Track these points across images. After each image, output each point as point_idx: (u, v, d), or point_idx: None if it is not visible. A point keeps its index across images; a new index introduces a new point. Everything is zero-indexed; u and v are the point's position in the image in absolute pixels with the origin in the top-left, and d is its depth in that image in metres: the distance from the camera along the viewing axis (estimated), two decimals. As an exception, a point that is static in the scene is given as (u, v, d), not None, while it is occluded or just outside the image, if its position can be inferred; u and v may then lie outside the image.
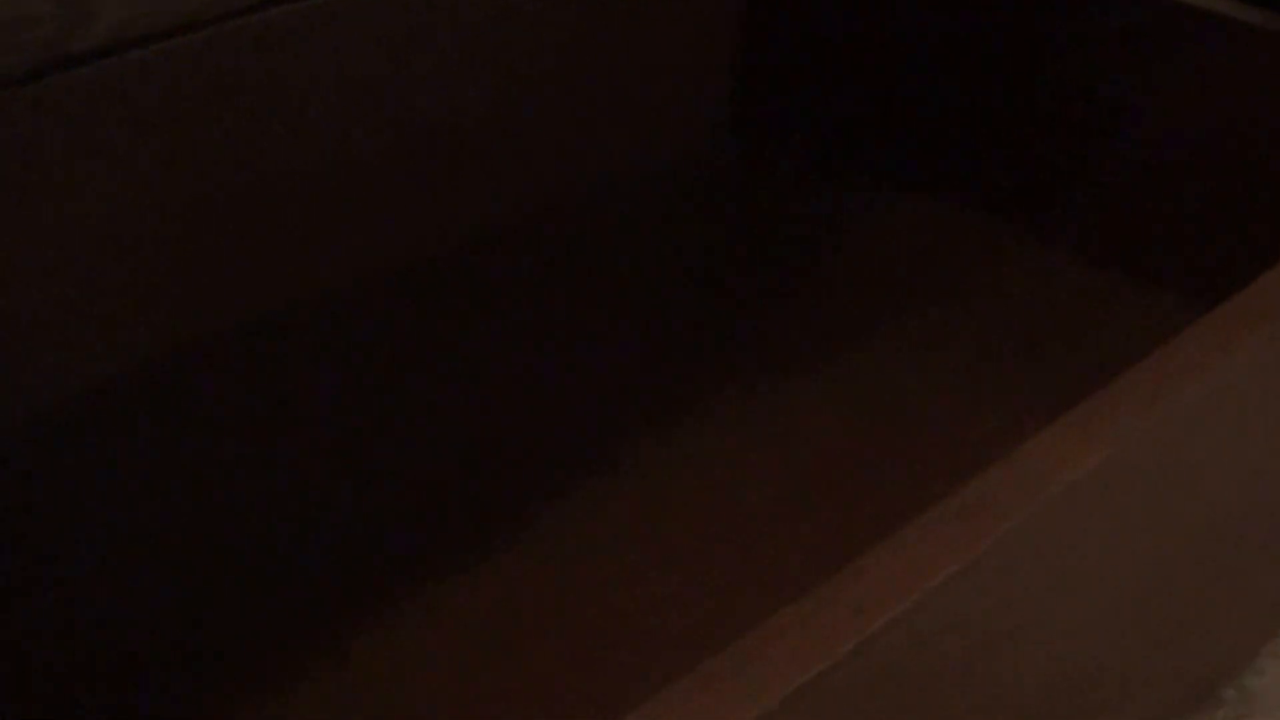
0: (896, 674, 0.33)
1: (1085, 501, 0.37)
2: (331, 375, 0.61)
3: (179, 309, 0.61)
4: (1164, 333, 0.64)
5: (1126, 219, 0.68)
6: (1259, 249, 0.64)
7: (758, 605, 0.51)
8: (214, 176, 0.60)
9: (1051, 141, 0.69)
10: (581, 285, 0.67)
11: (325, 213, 0.64)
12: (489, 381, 0.61)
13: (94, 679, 0.48)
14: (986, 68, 0.70)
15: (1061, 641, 0.39)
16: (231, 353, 0.62)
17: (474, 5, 0.66)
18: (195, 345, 0.62)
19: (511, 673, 0.49)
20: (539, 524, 0.54)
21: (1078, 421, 0.37)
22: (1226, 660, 0.51)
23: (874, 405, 0.60)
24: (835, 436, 0.59)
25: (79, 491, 0.55)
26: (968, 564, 0.33)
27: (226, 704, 0.47)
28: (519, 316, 0.65)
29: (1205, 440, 0.41)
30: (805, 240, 0.70)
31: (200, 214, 0.60)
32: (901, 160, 0.74)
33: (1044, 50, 0.68)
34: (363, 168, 0.65)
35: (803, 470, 0.57)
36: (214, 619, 0.50)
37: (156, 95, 0.56)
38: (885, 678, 0.32)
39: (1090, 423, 0.37)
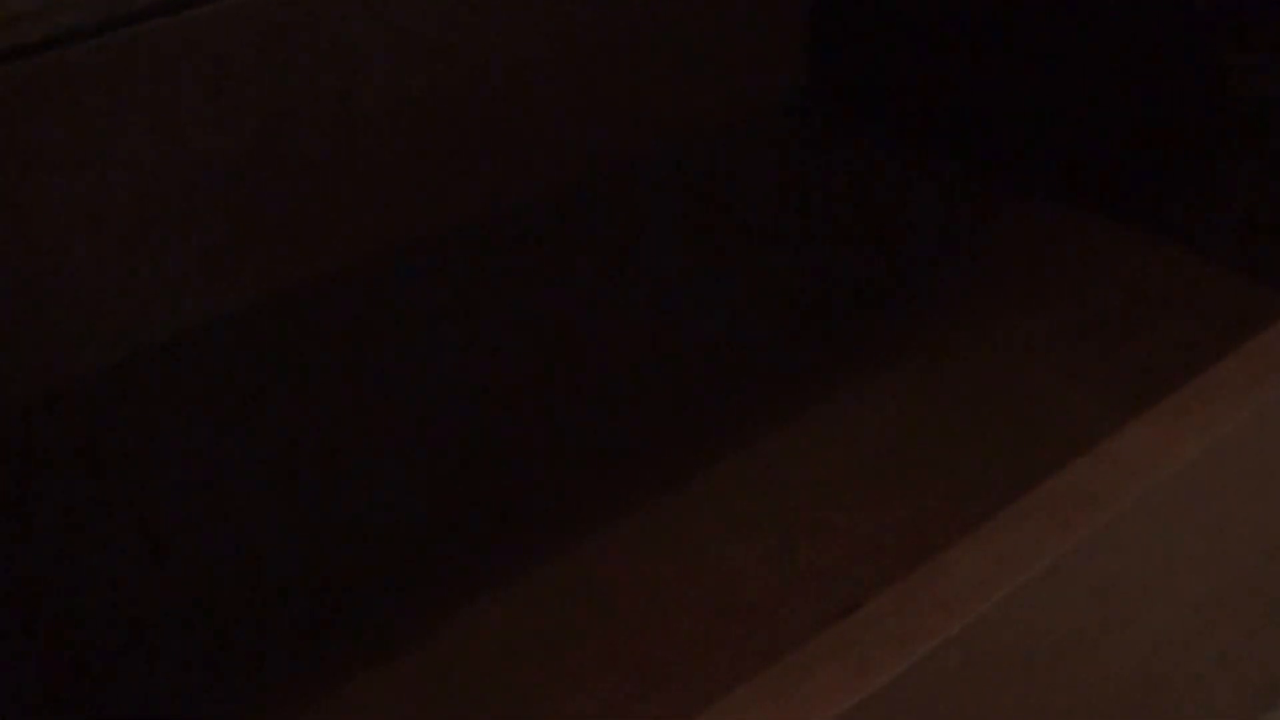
0: (984, 668, 0.32)
1: (1177, 495, 0.36)
2: (388, 338, 0.60)
3: (178, 297, 0.60)
4: (1238, 316, 0.63)
5: (1200, 201, 0.67)
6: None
7: (840, 594, 0.50)
8: (252, 134, 0.59)
9: (1142, 127, 0.68)
10: (650, 250, 0.66)
11: (382, 173, 0.64)
12: (564, 333, 0.60)
13: (104, 672, 0.48)
14: (1069, 45, 0.69)
15: (1138, 643, 0.38)
16: (252, 331, 0.61)
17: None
18: (197, 336, 0.61)
19: (555, 680, 0.48)
20: (611, 495, 0.54)
21: (1170, 413, 0.36)
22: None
23: (956, 392, 0.59)
24: (909, 419, 0.58)
25: (97, 470, 0.55)
26: (1058, 559, 0.32)
27: (230, 702, 0.47)
28: (585, 278, 0.64)
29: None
30: (877, 213, 0.69)
31: (209, 199, 0.59)
32: (965, 137, 0.73)
33: (1110, 35, 0.67)
34: (413, 131, 0.64)
35: (879, 453, 0.56)
36: (217, 612, 0.50)
37: (197, 56, 0.56)
38: (972, 671, 0.32)
39: (1183, 415, 0.36)
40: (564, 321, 0.62)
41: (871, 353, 0.61)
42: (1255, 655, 0.47)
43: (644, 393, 0.59)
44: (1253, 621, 0.45)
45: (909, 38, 0.74)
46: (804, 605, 0.49)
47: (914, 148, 0.74)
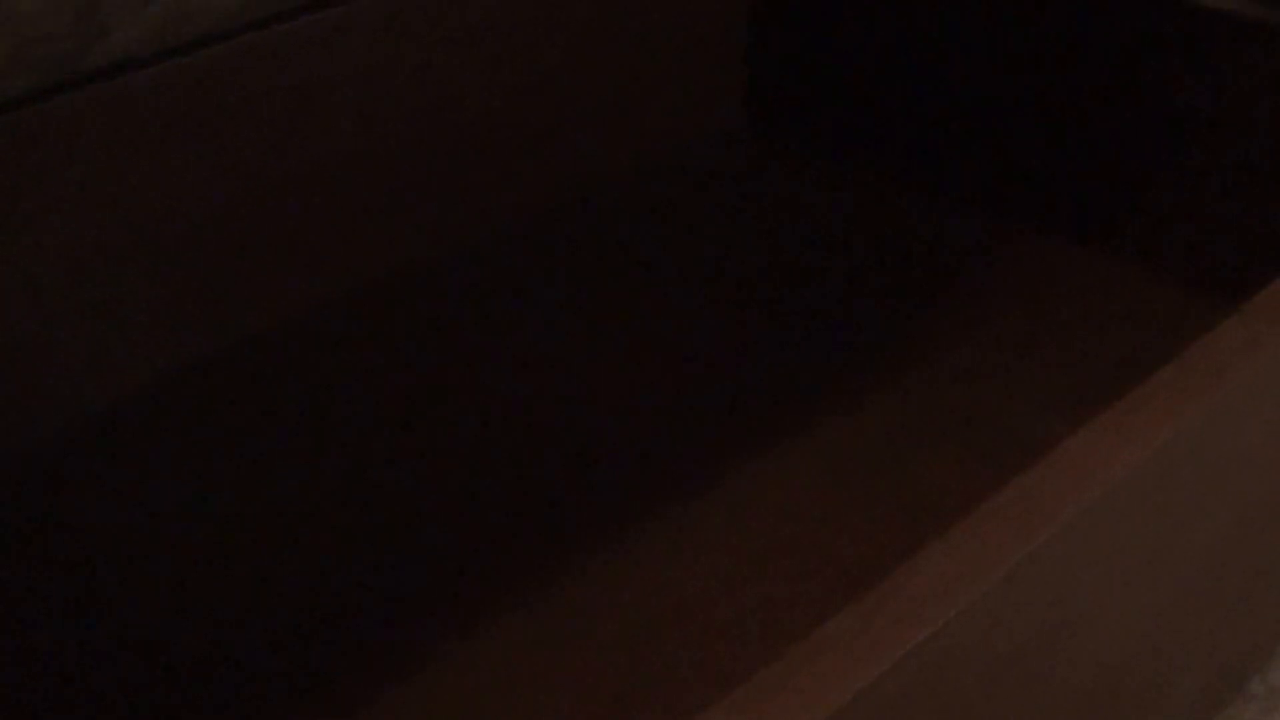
0: (947, 677, 0.33)
1: (1125, 500, 0.37)
2: (354, 379, 0.61)
3: (195, 320, 0.61)
4: (1188, 328, 0.64)
5: (1148, 216, 0.68)
6: (1276, 248, 0.65)
7: (805, 608, 0.51)
8: (228, 187, 0.60)
9: (1069, 139, 0.69)
10: (600, 284, 0.67)
11: (334, 220, 0.64)
12: (516, 378, 0.61)
13: (122, 693, 0.48)
14: (1001, 63, 0.70)
15: (1105, 637, 0.39)
16: (252, 360, 0.62)
17: (485, 12, 0.66)
18: (216, 355, 0.62)
19: (555, 682, 0.49)
20: (566, 529, 0.54)
21: (1117, 421, 0.37)
22: (1256, 654, 0.51)
23: (910, 410, 0.60)
24: (866, 436, 0.59)
25: (103, 503, 0.55)
26: (1013, 566, 0.33)
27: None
28: (538, 316, 0.65)
29: (1239, 434, 0.41)
30: (820, 237, 0.70)
31: (216, 225, 0.60)
32: (911, 156, 0.74)
33: (1054, 50, 0.68)
34: (373, 173, 0.65)
35: (837, 470, 0.57)
36: (222, 630, 0.50)
37: (168, 110, 0.57)
38: (936, 681, 0.32)
39: (1129, 422, 0.37)
40: (521, 354, 0.62)
41: (826, 374, 0.62)
42: (1215, 653, 0.48)
43: (603, 421, 0.59)
44: (1211, 620, 0.46)
45: (844, 65, 0.75)
46: (770, 626, 0.50)
47: (854, 172, 0.76)
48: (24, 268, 0.55)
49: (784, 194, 0.74)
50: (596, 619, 0.51)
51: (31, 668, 0.49)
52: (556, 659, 0.49)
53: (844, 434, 0.59)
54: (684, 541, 0.54)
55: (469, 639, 0.50)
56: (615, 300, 0.66)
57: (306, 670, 0.49)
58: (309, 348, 0.63)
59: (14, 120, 0.52)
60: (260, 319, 0.63)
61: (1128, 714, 0.43)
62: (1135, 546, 0.38)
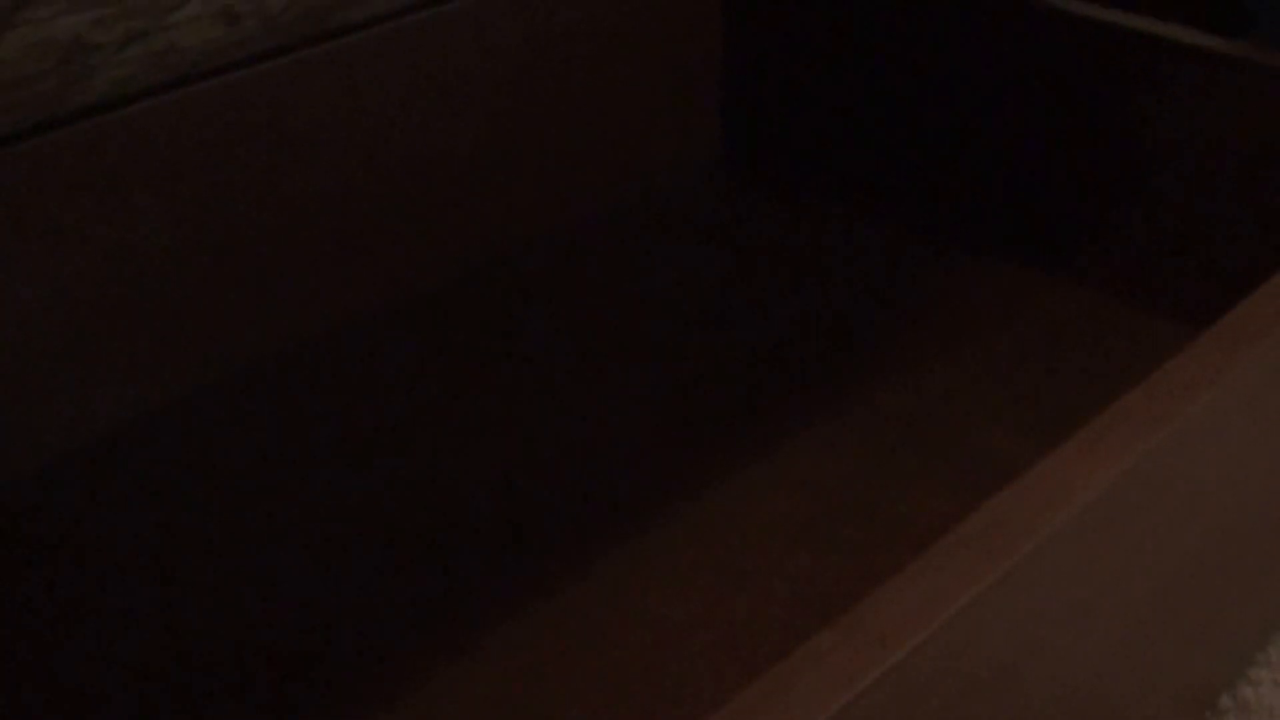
0: (920, 700, 0.33)
1: (1095, 522, 0.37)
2: (335, 412, 0.61)
3: (176, 354, 0.61)
4: (1154, 353, 0.65)
5: (1115, 244, 0.69)
6: (1241, 273, 0.65)
7: (783, 632, 0.52)
8: (209, 222, 0.60)
9: (1037, 171, 0.70)
10: (581, 316, 0.67)
11: (312, 256, 0.65)
12: (492, 413, 0.62)
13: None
14: (970, 99, 0.71)
15: (1076, 658, 0.40)
16: (237, 393, 0.62)
17: (465, 53, 0.66)
18: (196, 390, 0.62)
19: (536, 707, 0.49)
20: (546, 556, 0.55)
21: (1084, 445, 0.38)
22: (1224, 670, 0.52)
23: (882, 432, 0.61)
24: (842, 460, 0.59)
25: (96, 531, 0.55)
26: (985, 589, 0.34)
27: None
28: (516, 349, 0.65)
29: (1206, 457, 0.42)
30: (798, 270, 0.71)
31: (196, 259, 0.60)
32: (884, 190, 0.75)
33: (1021, 86, 0.69)
34: (349, 211, 0.65)
35: (813, 494, 0.58)
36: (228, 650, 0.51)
37: (154, 147, 0.57)
38: (909, 704, 0.33)
39: (1096, 446, 0.38)
40: (498, 389, 0.63)
41: (802, 400, 0.63)
42: (1185, 671, 0.48)
43: (583, 449, 0.60)
44: (1181, 637, 0.47)
45: (818, 103, 0.76)
46: (745, 653, 0.51)
47: (828, 206, 0.76)
48: (5, 302, 0.56)
49: (760, 226, 0.75)
50: (577, 643, 0.51)
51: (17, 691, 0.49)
52: (537, 685, 0.50)
53: (820, 458, 0.60)
54: (662, 566, 0.54)
55: (453, 663, 0.51)
56: (595, 331, 0.67)
57: (285, 703, 0.49)
58: (290, 381, 0.63)
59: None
60: (240, 353, 0.64)
61: (1101, 732, 0.44)
62: (1105, 568, 0.39)
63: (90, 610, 0.53)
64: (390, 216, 0.67)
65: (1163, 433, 0.39)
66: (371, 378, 0.64)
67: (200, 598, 0.53)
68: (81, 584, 0.54)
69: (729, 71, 0.79)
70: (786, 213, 0.76)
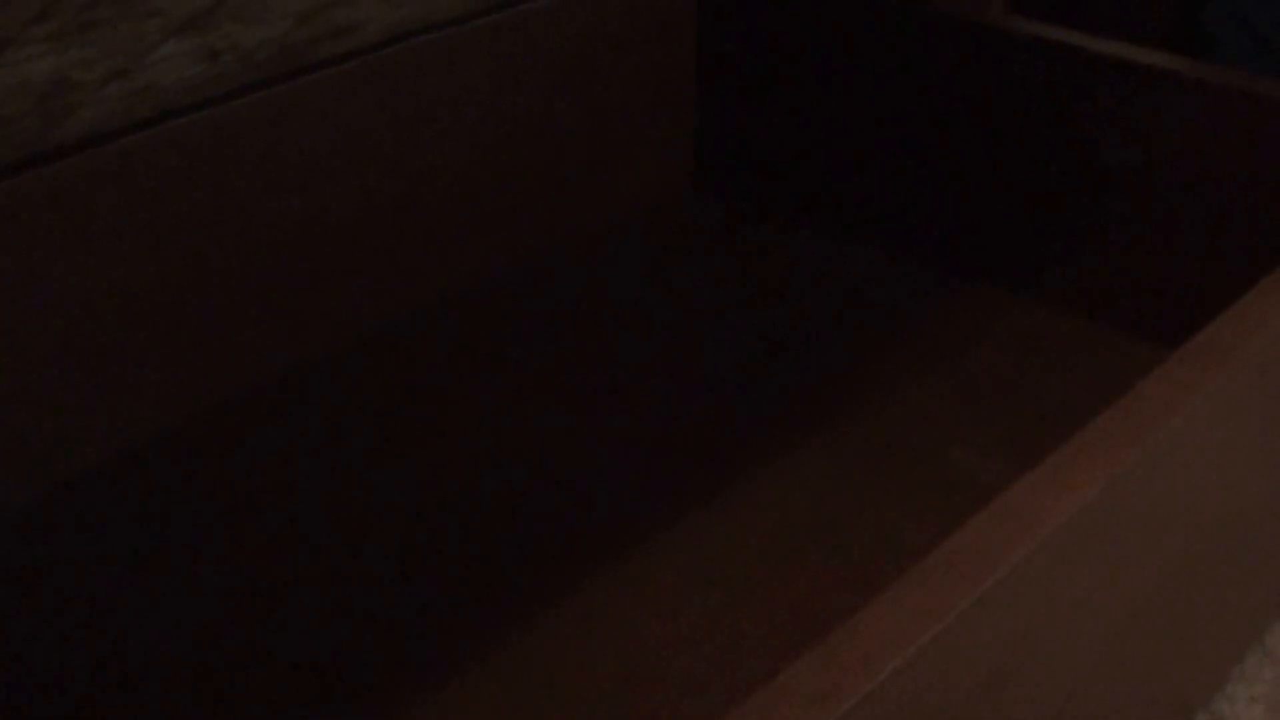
0: (905, 718, 0.34)
1: (1070, 544, 0.38)
2: (324, 443, 0.62)
3: (165, 385, 0.62)
4: (1125, 374, 0.66)
5: (1086, 267, 0.69)
6: (1208, 293, 0.66)
7: (765, 654, 0.52)
8: (190, 254, 0.61)
9: (1008, 196, 0.71)
10: (560, 343, 0.68)
11: (290, 286, 0.65)
12: (468, 440, 0.62)
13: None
14: (938, 128, 0.71)
15: (1054, 677, 0.41)
16: (227, 422, 0.62)
17: (439, 90, 0.67)
18: (185, 420, 0.63)
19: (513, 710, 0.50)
20: (528, 585, 0.55)
21: (1058, 468, 0.39)
22: (1201, 687, 0.52)
23: (855, 452, 0.62)
24: (820, 482, 0.60)
25: (88, 562, 0.56)
26: (964, 611, 0.35)
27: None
28: (493, 378, 0.66)
29: (1177, 478, 0.43)
30: (770, 294, 0.72)
31: (176, 291, 0.61)
32: (853, 217, 0.76)
33: (987, 113, 0.70)
34: (324, 243, 0.66)
35: (791, 515, 0.58)
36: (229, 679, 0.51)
37: (133, 182, 0.58)
38: (892, 725, 0.34)
39: (1070, 469, 0.39)
40: (474, 417, 0.63)
41: (778, 424, 0.63)
42: (1161, 688, 0.49)
43: (562, 476, 0.60)
44: (1159, 654, 0.47)
45: (787, 136, 0.77)
46: (729, 676, 0.51)
47: (797, 230, 0.77)
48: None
49: (733, 251, 0.75)
50: (561, 671, 0.52)
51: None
52: (520, 714, 0.50)
53: (798, 481, 0.60)
54: (643, 588, 0.55)
55: (436, 677, 0.51)
56: (569, 356, 0.67)
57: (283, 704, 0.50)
58: (277, 411, 0.64)
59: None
60: (219, 385, 0.64)
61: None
62: (1080, 589, 0.40)
63: (96, 619, 0.53)
64: (367, 246, 0.67)
65: (1135, 455, 0.40)
66: (347, 405, 0.64)
67: (201, 610, 0.54)
68: (84, 596, 0.54)
69: (702, 100, 0.79)
70: (758, 238, 0.76)
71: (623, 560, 0.56)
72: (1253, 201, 0.64)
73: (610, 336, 0.69)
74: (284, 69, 0.61)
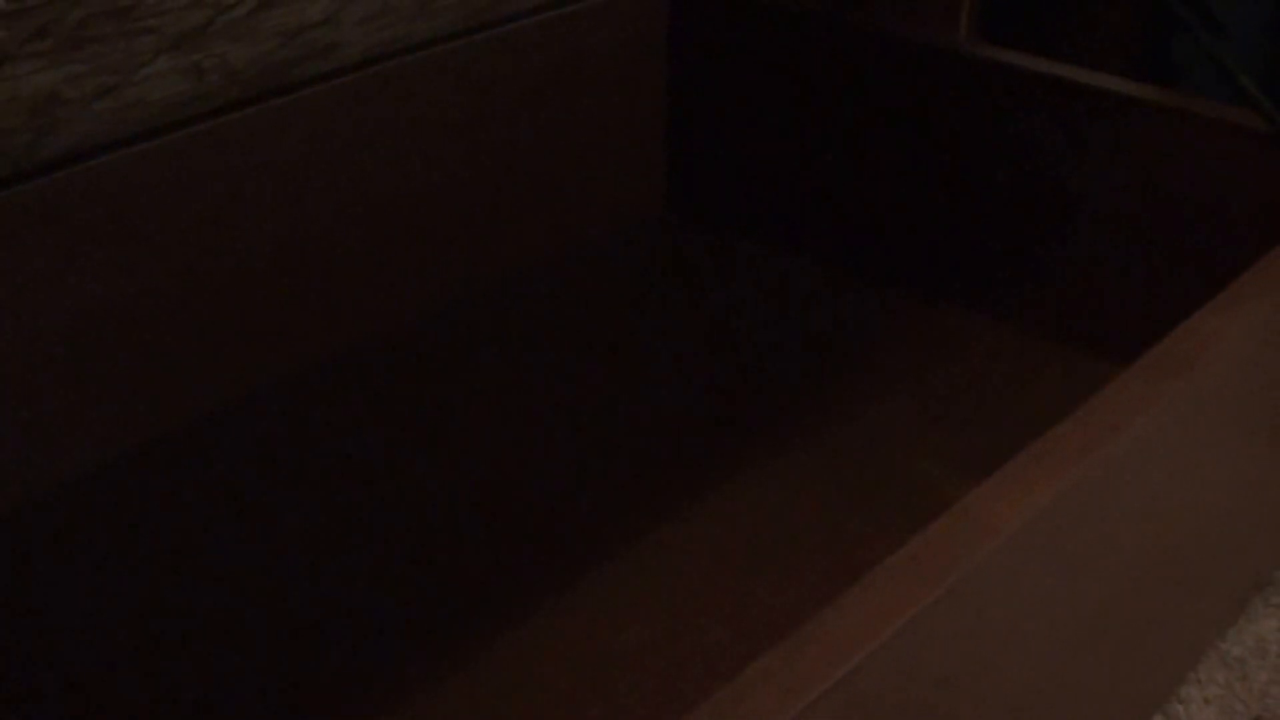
0: (867, 712, 0.35)
1: (1025, 547, 0.39)
2: (290, 460, 0.63)
3: (164, 395, 0.63)
4: (1084, 390, 0.67)
5: (1045, 286, 0.71)
6: (1167, 313, 0.67)
7: (734, 658, 0.54)
8: (175, 269, 0.62)
9: (971, 218, 0.72)
10: (527, 363, 0.69)
11: (270, 303, 0.66)
12: (443, 455, 0.63)
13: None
14: (905, 151, 0.73)
15: (1011, 676, 0.42)
16: (204, 439, 0.63)
17: (415, 108, 0.68)
18: (166, 434, 0.64)
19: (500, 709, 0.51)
20: (506, 588, 0.56)
21: (1014, 474, 0.40)
22: (1155, 689, 0.54)
23: (821, 468, 0.63)
24: (788, 495, 0.61)
25: (84, 574, 0.57)
26: (924, 608, 0.36)
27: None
28: (467, 395, 0.67)
29: (1130, 486, 0.44)
30: (738, 313, 0.73)
31: (162, 305, 0.62)
32: (822, 237, 0.77)
33: (952, 136, 0.71)
34: (300, 260, 0.67)
35: (761, 525, 0.59)
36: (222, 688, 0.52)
37: (119, 196, 0.59)
38: (856, 716, 0.35)
39: (1025, 475, 0.40)
40: (446, 434, 0.64)
41: (748, 439, 0.64)
42: (1121, 689, 0.50)
43: (530, 491, 0.62)
44: (1115, 656, 0.49)
45: (757, 157, 0.78)
46: (697, 673, 0.52)
47: (768, 252, 0.78)
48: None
49: (703, 275, 0.76)
50: (537, 670, 0.53)
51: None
52: (496, 711, 0.51)
53: (765, 495, 0.61)
54: (620, 596, 0.56)
55: (411, 678, 0.52)
56: (539, 376, 0.68)
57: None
58: (251, 428, 0.65)
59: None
60: (206, 397, 0.65)
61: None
62: (1036, 591, 0.41)
63: (93, 621, 0.54)
64: (342, 262, 0.68)
65: (1089, 462, 0.41)
66: (322, 420, 0.65)
67: (194, 615, 0.54)
68: (79, 599, 0.55)
69: (673, 122, 0.81)
70: (729, 258, 0.78)
71: (595, 570, 0.57)
72: (1213, 223, 0.65)
73: (580, 355, 0.70)
74: (266, 87, 0.63)
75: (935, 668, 0.38)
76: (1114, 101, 0.66)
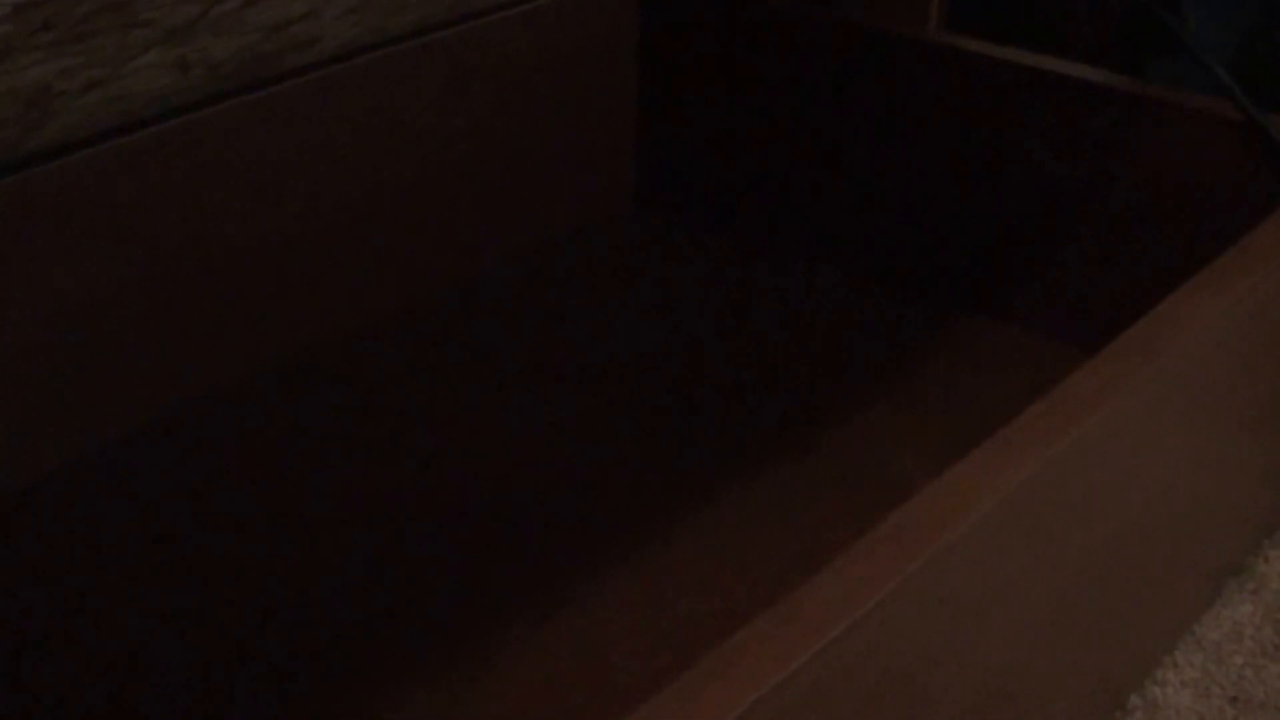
0: (839, 687, 0.36)
1: (999, 524, 0.40)
2: (259, 455, 0.63)
3: (146, 386, 0.63)
4: (1053, 375, 0.67)
5: (1031, 280, 0.71)
6: (1146, 302, 0.68)
7: (729, 617, 0.55)
8: (162, 259, 0.62)
9: (955, 212, 0.72)
10: (502, 362, 0.69)
11: (254, 295, 0.66)
12: (412, 458, 0.64)
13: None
14: (877, 145, 0.73)
15: (989, 651, 0.42)
16: (191, 428, 0.64)
17: (387, 104, 0.68)
18: (162, 422, 0.64)
19: (491, 696, 0.51)
20: (490, 593, 0.57)
21: (989, 454, 0.41)
22: (1133, 671, 0.54)
23: (802, 459, 0.64)
24: (769, 485, 0.62)
25: (76, 560, 0.57)
26: (902, 581, 0.37)
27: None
28: (441, 393, 0.67)
29: (1100, 467, 0.45)
30: (711, 311, 0.74)
31: (148, 295, 0.62)
32: (790, 233, 0.77)
33: (924, 128, 0.71)
34: (277, 254, 0.67)
35: (744, 515, 0.60)
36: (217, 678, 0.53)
37: (105, 188, 0.59)
38: (829, 691, 0.36)
39: (999, 455, 0.41)
40: (422, 435, 0.65)
41: (727, 430, 0.65)
42: (1093, 671, 0.51)
43: (513, 497, 0.62)
44: (1090, 637, 0.49)
45: (726, 155, 0.78)
46: (681, 648, 0.53)
47: (739, 246, 0.78)
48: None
49: (673, 269, 0.77)
50: (523, 663, 0.53)
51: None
52: (483, 703, 0.52)
53: (749, 483, 0.62)
54: (605, 595, 0.57)
55: (397, 659, 0.53)
56: (515, 374, 0.69)
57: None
58: (227, 422, 0.65)
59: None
60: (189, 388, 0.65)
61: (1014, 725, 0.47)
62: (1011, 567, 0.42)
63: (89, 612, 0.54)
64: (316, 254, 0.68)
65: (1062, 444, 0.42)
66: (297, 414, 0.65)
67: (193, 610, 0.55)
68: (74, 585, 0.55)
69: (644, 116, 0.81)
70: (699, 253, 0.78)
71: (577, 560, 0.58)
72: (1187, 212, 0.65)
73: (551, 350, 0.70)
74: (247, 80, 0.63)
75: (907, 647, 0.38)
76: (1086, 91, 0.66)
